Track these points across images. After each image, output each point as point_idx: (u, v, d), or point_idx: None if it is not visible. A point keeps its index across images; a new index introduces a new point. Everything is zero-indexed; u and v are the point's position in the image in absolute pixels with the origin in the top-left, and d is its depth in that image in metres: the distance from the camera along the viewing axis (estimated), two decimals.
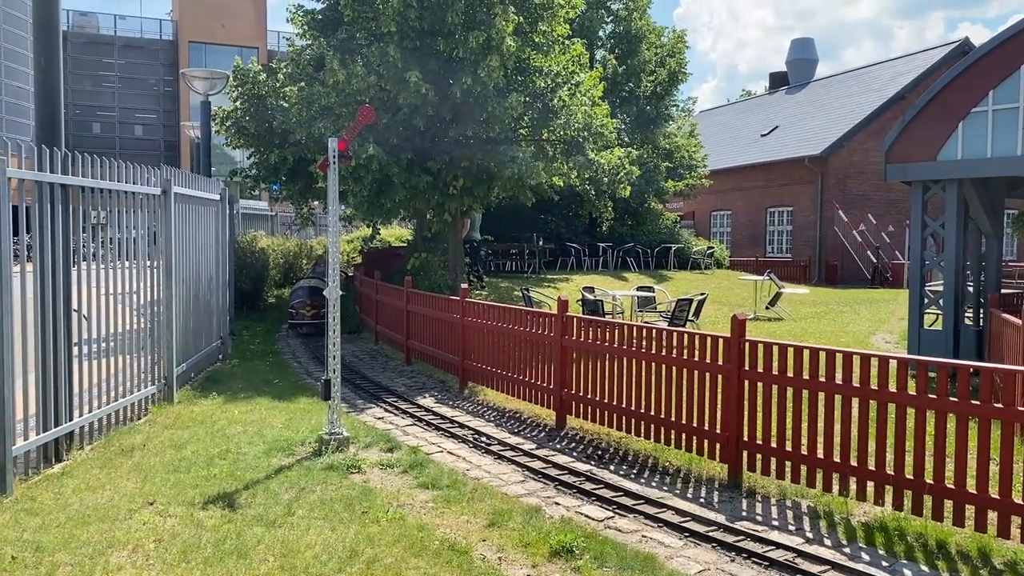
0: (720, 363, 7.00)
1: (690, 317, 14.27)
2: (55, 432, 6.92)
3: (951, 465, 5.65)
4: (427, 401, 10.43)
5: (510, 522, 5.83)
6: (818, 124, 34.52)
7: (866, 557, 5.34)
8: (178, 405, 9.43)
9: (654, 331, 7.88)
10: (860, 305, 21.68)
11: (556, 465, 7.41)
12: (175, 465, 6.96)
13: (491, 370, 10.40)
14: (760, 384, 6.70)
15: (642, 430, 7.86)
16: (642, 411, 7.83)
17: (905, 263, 27.30)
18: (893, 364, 5.93)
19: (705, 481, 7.00)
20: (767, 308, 19.74)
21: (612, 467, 7.43)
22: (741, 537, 5.66)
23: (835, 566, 5.18)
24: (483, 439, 8.40)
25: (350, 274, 20.85)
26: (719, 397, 7.03)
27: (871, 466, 5.99)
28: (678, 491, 6.73)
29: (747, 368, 6.76)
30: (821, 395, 6.34)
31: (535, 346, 9.47)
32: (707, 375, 7.12)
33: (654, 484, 6.92)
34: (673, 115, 30.53)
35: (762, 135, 37.97)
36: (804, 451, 6.42)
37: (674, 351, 7.50)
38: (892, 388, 5.87)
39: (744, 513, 6.20)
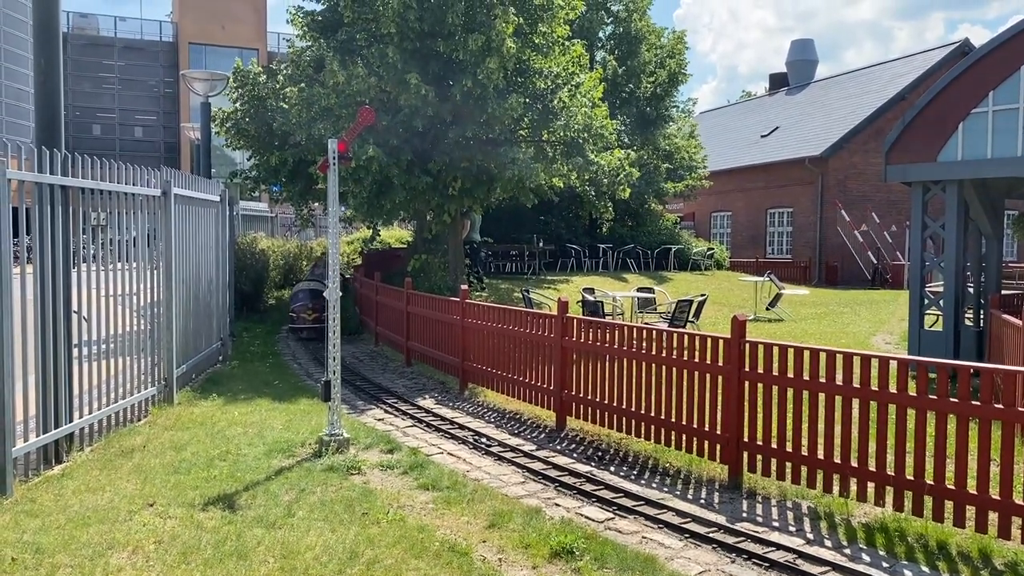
0: (720, 364, 6.99)
1: (690, 318, 14.27)
2: (55, 434, 6.91)
3: (952, 466, 5.64)
4: (427, 402, 10.43)
5: (510, 523, 5.82)
6: (818, 125, 34.53)
7: (867, 558, 5.33)
8: (178, 406, 9.43)
9: (654, 332, 7.88)
10: (860, 306, 21.68)
11: (556, 466, 7.40)
12: (175, 466, 6.96)
13: (491, 371, 10.40)
14: (760, 385, 6.69)
15: (642, 431, 7.86)
16: (642, 412, 7.83)
17: (905, 264, 27.30)
18: (893, 365, 5.93)
19: (705, 482, 6.99)
20: (767, 309, 19.74)
21: (612, 468, 7.42)
22: (742, 538, 5.66)
23: (836, 567, 5.18)
24: (483, 440, 8.40)
25: (347, 276, 20.83)
26: (719, 398, 7.03)
27: (872, 467, 5.99)
28: (678, 492, 6.73)
29: (747, 369, 6.76)
30: (821, 396, 6.34)
31: (535, 347, 9.47)
32: (707, 376, 7.12)
33: (654, 485, 6.91)
34: (673, 116, 30.55)
35: (762, 136, 37.98)
36: (804, 452, 6.42)
37: (674, 352, 7.50)
38: (892, 389, 5.87)
39: (744, 514, 6.20)
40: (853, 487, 6.07)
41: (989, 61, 10.90)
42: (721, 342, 7.01)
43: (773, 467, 6.62)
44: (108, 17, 56.85)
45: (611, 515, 6.19)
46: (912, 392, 5.75)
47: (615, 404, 8.16)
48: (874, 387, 5.96)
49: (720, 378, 7.00)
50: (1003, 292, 13.22)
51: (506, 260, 25.08)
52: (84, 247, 7.70)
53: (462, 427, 9.01)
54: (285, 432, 8.29)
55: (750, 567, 5.25)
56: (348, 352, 14.44)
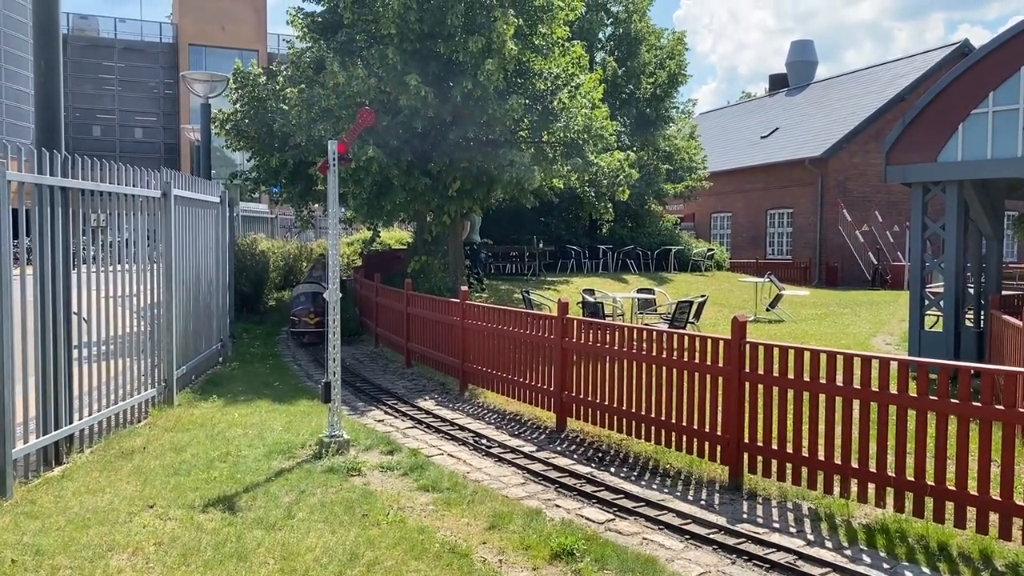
0: (721, 365, 6.99)
1: (690, 319, 14.27)
2: (55, 435, 6.91)
3: (952, 467, 5.64)
4: (427, 404, 10.42)
5: (511, 524, 5.82)
6: (818, 126, 34.53)
7: (867, 559, 5.33)
8: (178, 408, 9.42)
9: (654, 333, 7.88)
10: (860, 307, 21.68)
11: (556, 467, 7.40)
12: (175, 468, 6.95)
13: (491, 372, 10.40)
14: (761, 386, 6.69)
15: (643, 432, 7.85)
16: (643, 413, 7.82)
17: (905, 265, 27.30)
18: (894, 366, 5.93)
19: (706, 483, 6.99)
20: (767, 310, 19.74)
21: (613, 469, 7.42)
22: (742, 539, 5.65)
23: (836, 568, 5.17)
24: (483, 441, 8.39)
25: (344, 278, 20.78)
26: (720, 399, 7.03)
27: (872, 468, 5.98)
28: (679, 493, 6.72)
29: (748, 370, 6.76)
30: (822, 397, 6.33)
31: (535, 348, 9.46)
32: (708, 377, 7.12)
33: (655, 486, 6.91)
34: (673, 117, 30.55)
35: (762, 137, 37.98)
36: (805, 453, 6.42)
37: (675, 353, 7.50)
38: (893, 390, 5.86)
39: (745, 515, 6.19)
40: (854, 488, 6.06)
41: (989, 62, 10.90)
42: (721, 343, 7.00)
43: (774, 468, 6.61)
44: (108, 18, 56.84)
45: (611, 516, 6.18)
46: (913, 393, 5.75)
47: (615, 405, 8.16)
48: (875, 388, 5.96)
49: (720, 379, 7.00)
50: (1003, 293, 13.21)
51: (506, 261, 25.08)
52: (84, 248, 7.69)
53: (462, 428, 9.00)
54: (285, 433, 8.28)
55: (751, 568, 5.25)
56: (348, 353, 14.43)
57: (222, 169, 36.48)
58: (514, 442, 8.38)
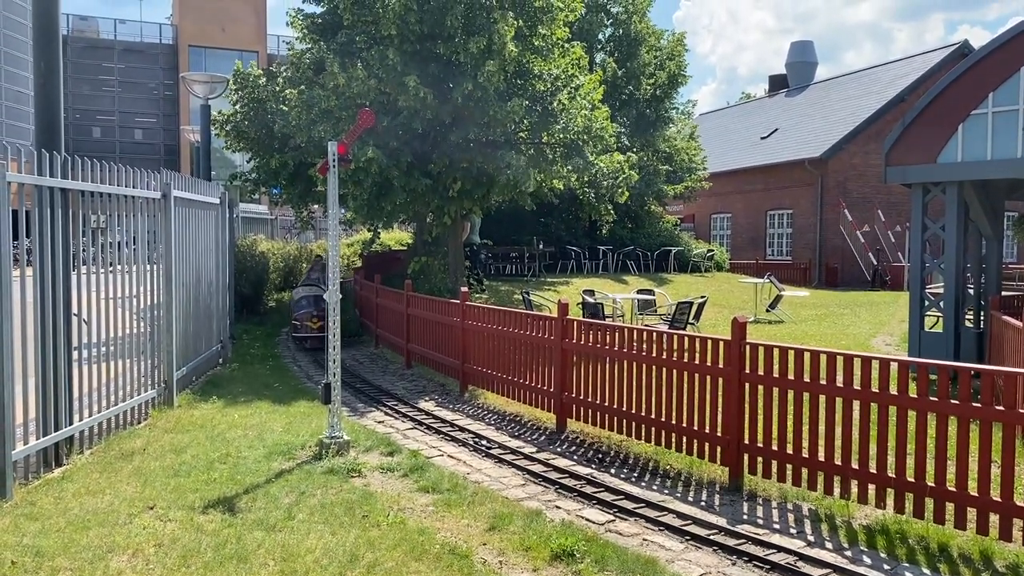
0: (721, 366, 6.99)
1: (690, 320, 14.27)
2: (55, 436, 6.91)
3: (952, 468, 5.64)
4: (427, 405, 10.42)
5: (511, 526, 5.82)
6: (818, 127, 34.54)
7: (868, 560, 5.33)
8: (178, 409, 9.42)
9: (654, 334, 7.88)
10: (860, 308, 21.68)
11: (557, 468, 7.40)
12: (175, 469, 6.95)
13: (491, 373, 10.40)
14: (761, 387, 6.69)
15: (643, 433, 7.85)
16: (643, 414, 7.82)
17: (905, 265, 27.30)
18: (894, 366, 5.93)
19: (706, 484, 6.99)
20: (767, 311, 19.73)
21: (613, 470, 7.41)
22: (742, 540, 5.65)
23: (836, 569, 5.17)
24: (483, 443, 8.39)
25: (343, 279, 20.67)
26: (720, 400, 7.03)
27: (872, 469, 5.98)
28: (679, 494, 6.72)
29: (748, 371, 6.76)
30: (822, 398, 6.33)
31: (535, 349, 9.46)
32: (708, 378, 7.12)
33: (655, 487, 6.90)
34: (673, 118, 30.56)
35: (762, 138, 37.99)
36: (805, 454, 6.42)
37: (675, 354, 7.50)
38: (893, 391, 5.86)
39: (745, 516, 6.19)
40: (854, 489, 6.06)
41: (989, 62, 10.90)
42: (721, 344, 7.00)
43: (774, 469, 6.61)
44: (108, 20, 56.81)
45: (612, 517, 6.18)
46: (913, 394, 5.75)
47: (615, 406, 8.16)
48: (875, 389, 5.96)
49: (720, 380, 7.00)
50: (1003, 293, 13.21)
51: (506, 262, 25.08)
52: (84, 250, 7.69)
53: (462, 429, 9.00)
54: (285, 435, 8.28)
55: (751, 569, 5.24)
56: (348, 354, 14.43)
57: (222, 170, 36.49)
58: (514, 443, 8.38)
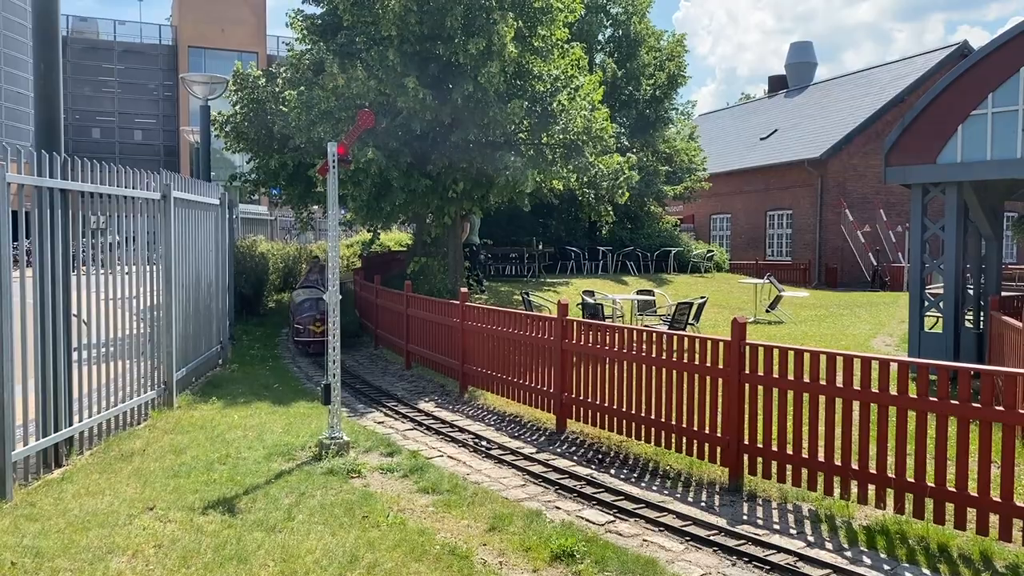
0: (720, 366, 6.99)
1: (690, 320, 14.27)
2: (55, 437, 6.91)
3: (952, 468, 5.64)
4: (427, 405, 10.42)
5: (511, 526, 5.82)
6: (817, 127, 34.56)
7: (868, 561, 5.33)
8: (178, 410, 9.42)
9: (654, 335, 7.88)
10: (860, 308, 21.68)
11: (556, 469, 7.40)
12: (175, 470, 6.95)
13: (491, 374, 10.39)
14: (761, 387, 6.69)
15: (643, 434, 7.85)
16: (642, 415, 7.82)
17: (905, 266, 27.31)
18: (894, 367, 5.93)
19: (706, 485, 6.99)
20: (767, 311, 19.73)
21: (612, 471, 7.41)
22: (742, 541, 5.65)
23: (837, 570, 5.17)
24: (483, 443, 8.39)
25: (342, 281, 20.48)
26: (720, 400, 7.03)
27: (872, 469, 5.98)
28: (679, 495, 6.72)
29: (747, 371, 6.76)
30: (822, 398, 6.33)
31: (535, 350, 9.46)
32: (707, 378, 7.12)
33: (655, 488, 6.90)
34: (672, 118, 30.55)
35: (761, 138, 38.00)
36: (805, 454, 6.42)
37: (674, 355, 7.50)
38: (893, 391, 5.86)
39: (745, 517, 6.19)
40: (854, 489, 6.06)
41: (988, 63, 10.91)
42: (721, 344, 7.01)
43: (774, 470, 6.61)
44: (107, 21, 56.70)
45: (612, 518, 6.18)
46: (912, 394, 5.75)
47: (615, 407, 8.16)
48: (874, 389, 5.96)
49: (720, 380, 7.00)
50: (1003, 294, 13.21)
51: (506, 263, 25.08)
52: (84, 250, 7.69)
53: (462, 430, 9.00)
54: (285, 435, 8.28)
55: (751, 570, 5.24)
56: (348, 355, 14.42)
57: (221, 171, 36.49)
58: (514, 444, 8.37)
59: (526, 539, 5.56)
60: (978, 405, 5.42)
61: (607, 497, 6.60)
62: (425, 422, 9.42)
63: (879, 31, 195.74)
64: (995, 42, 10.96)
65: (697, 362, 7.22)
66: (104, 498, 6.15)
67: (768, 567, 5.25)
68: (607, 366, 8.31)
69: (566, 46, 16.57)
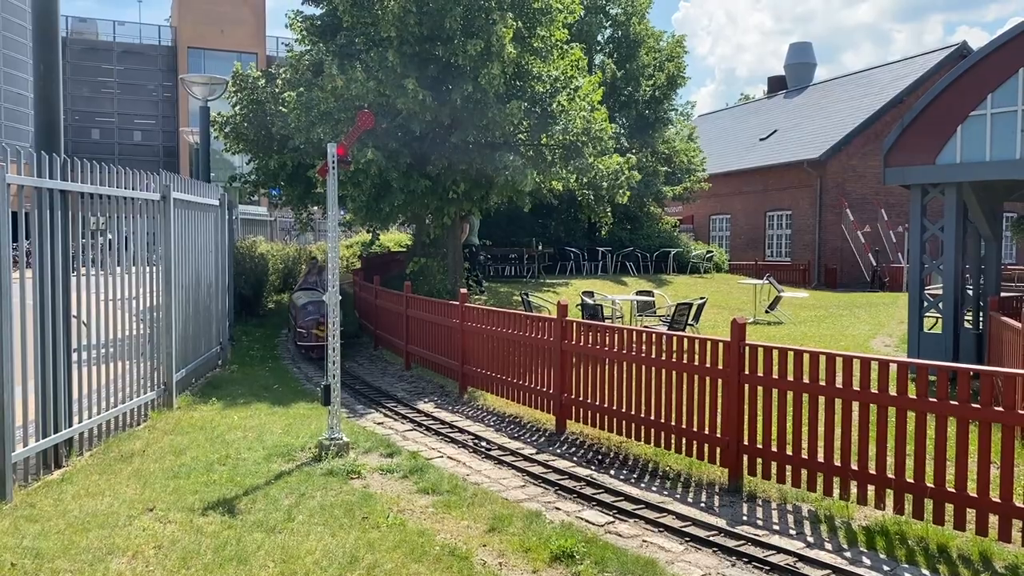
0: (720, 367, 6.99)
1: (690, 321, 14.27)
2: (54, 438, 6.91)
3: (952, 469, 5.64)
4: (427, 406, 10.42)
5: (510, 527, 5.82)
6: (817, 128, 34.57)
7: (867, 561, 5.33)
8: (177, 411, 9.42)
9: (654, 335, 7.88)
10: (859, 309, 21.69)
11: (556, 470, 7.40)
12: (175, 471, 6.95)
13: (491, 375, 10.40)
14: (760, 388, 6.69)
15: (642, 434, 7.85)
16: (642, 415, 7.83)
17: (904, 266, 27.32)
18: (893, 368, 5.93)
19: (705, 485, 6.99)
20: (767, 312, 19.74)
21: (612, 472, 7.42)
22: (742, 542, 5.65)
23: (836, 570, 5.17)
24: (483, 444, 8.39)
25: (342, 283, 20.33)
26: (719, 401, 7.03)
27: (872, 470, 5.99)
28: (678, 496, 6.72)
29: (747, 372, 6.76)
30: (821, 399, 6.34)
31: (535, 351, 9.46)
32: (707, 379, 7.12)
33: (654, 489, 6.91)
34: (672, 119, 30.58)
35: (761, 139, 38.01)
36: (805, 455, 6.42)
37: (674, 355, 7.50)
38: (892, 392, 5.87)
39: (745, 517, 6.19)
40: (853, 490, 6.07)
41: (987, 64, 10.91)
42: (721, 345, 7.01)
43: (773, 470, 6.61)
44: (107, 21, 56.64)
45: (611, 519, 6.18)
46: (912, 395, 5.75)
47: (615, 407, 8.16)
48: (874, 390, 5.96)
49: (720, 381, 7.00)
50: (1002, 294, 13.21)
51: (505, 263, 25.09)
52: (83, 251, 7.69)
53: (462, 431, 9.00)
54: (285, 436, 8.28)
55: (750, 570, 5.25)
56: (347, 356, 14.41)
57: (221, 172, 36.51)
58: (514, 444, 8.38)
59: (526, 540, 5.57)
60: (977, 406, 5.43)
61: (607, 498, 6.60)
62: (425, 423, 9.42)
63: (878, 32, 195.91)
64: (994, 43, 10.97)
65: (697, 363, 7.23)
66: (104, 499, 6.16)
67: (768, 568, 5.26)
68: (607, 367, 8.31)
69: (565, 47, 16.58)
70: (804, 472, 6.42)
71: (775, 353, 6.61)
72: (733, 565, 5.33)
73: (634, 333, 8.10)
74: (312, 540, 5.43)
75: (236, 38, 52.99)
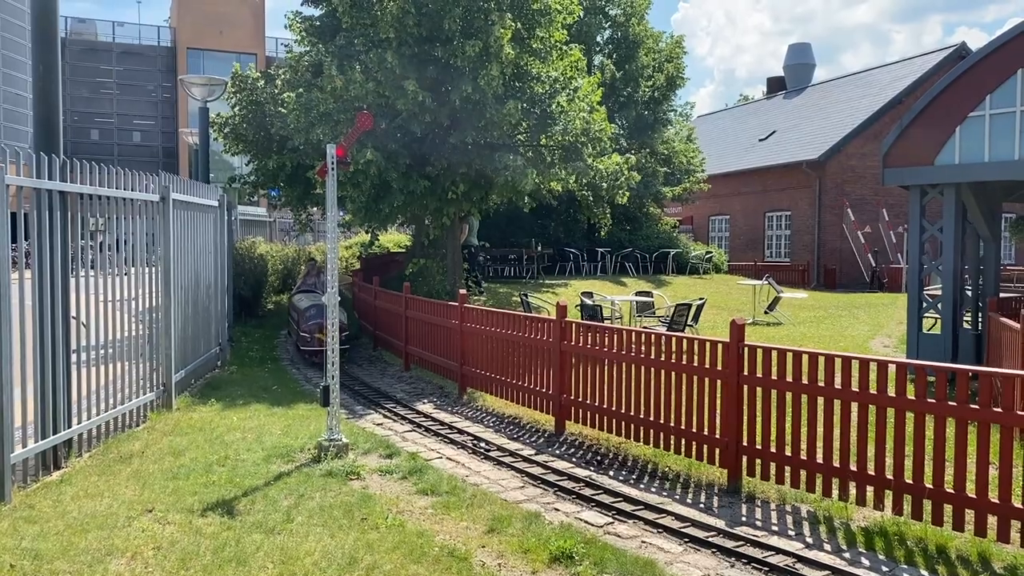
0: (719, 368, 7.00)
1: (689, 322, 14.28)
2: (54, 439, 6.90)
3: (950, 469, 5.65)
4: (426, 407, 10.42)
5: (509, 528, 5.82)
6: (816, 129, 34.58)
7: (866, 562, 5.34)
8: (177, 412, 9.42)
9: (653, 336, 7.88)
10: (859, 309, 21.70)
11: (555, 471, 7.40)
12: (174, 472, 6.95)
13: (490, 376, 10.40)
14: (759, 389, 6.70)
15: (641, 435, 7.86)
16: (641, 416, 7.83)
17: (903, 267, 27.34)
18: (892, 368, 5.94)
19: (705, 486, 6.99)
20: (766, 312, 19.75)
21: (611, 472, 7.42)
22: (741, 542, 5.66)
23: (835, 571, 5.18)
24: (482, 445, 8.39)
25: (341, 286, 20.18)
26: (718, 402, 7.03)
27: (871, 471, 5.99)
28: (677, 496, 6.72)
29: (746, 373, 6.77)
30: (820, 400, 6.34)
31: (534, 351, 9.47)
32: (706, 380, 7.13)
33: (653, 489, 6.91)
34: (671, 120, 30.59)
35: (760, 140, 38.02)
36: (803, 456, 6.42)
37: (673, 356, 7.51)
38: (891, 392, 5.87)
39: (744, 518, 6.20)
40: (852, 491, 6.07)
41: (986, 65, 10.92)
42: (720, 346, 7.01)
43: (772, 471, 6.62)
44: (106, 22, 56.62)
45: (610, 519, 6.19)
46: (911, 396, 5.76)
47: (614, 408, 8.16)
48: (873, 391, 5.97)
49: (719, 382, 7.01)
50: (1001, 295, 13.23)
51: (504, 264, 25.09)
52: (83, 252, 7.69)
53: (461, 432, 9.01)
54: (284, 437, 8.28)
55: (749, 571, 5.25)
56: (346, 357, 14.40)
57: (220, 173, 36.51)
58: (513, 445, 8.38)
59: (525, 541, 5.57)
60: (976, 407, 5.43)
61: (606, 499, 6.61)
62: (424, 424, 9.42)
63: (877, 32, 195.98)
64: (993, 44, 10.98)
65: (696, 364, 7.23)
66: (103, 500, 6.15)
67: (767, 568, 5.26)
68: (606, 368, 8.31)
69: (565, 48, 16.59)
70: (803, 473, 6.42)
71: (774, 354, 6.62)
72: (732, 566, 5.33)
73: (633, 334, 8.10)
74: (311, 541, 5.43)
75: (235, 39, 52.99)
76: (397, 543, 5.44)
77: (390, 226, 22.10)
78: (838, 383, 6.19)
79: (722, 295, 23.42)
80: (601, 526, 6.03)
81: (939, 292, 12.09)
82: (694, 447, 7.28)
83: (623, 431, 8.08)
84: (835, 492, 6.19)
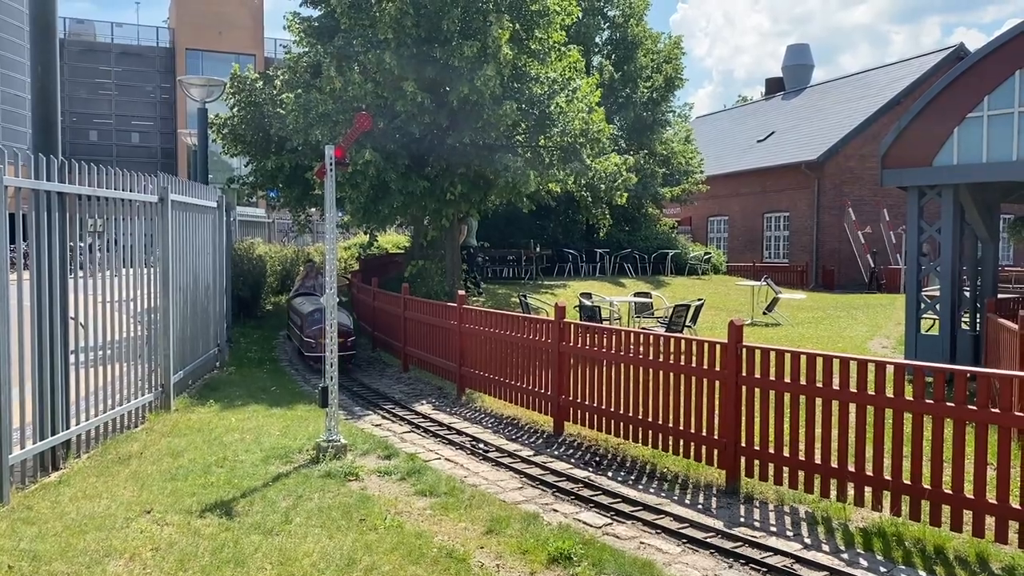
0: (717, 369, 7.00)
1: (687, 323, 14.29)
2: (52, 440, 6.90)
3: (949, 470, 5.66)
4: (425, 408, 10.42)
5: (508, 529, 5.82)
6: (814, 130, 34.61)
7: (864, 563, 5.34)
8: (175, 413, 9.42)
9: (651, 337, 7.89)
10: (857, 310, 21.71)
11: (554, 472, 7.41)
12: (172, 473, 6.95)
13: (489, 377, 10.40)
14: (757, 390, 6.70)
15: (640, 436, 7.86)
16: (640, 417, 7.83)
17: (902, 268, 27.35)
18: (890, 369, 5.95)
19: (703, 487, 7.00)
20: (764, 313, 19.76)
21: (610, 473, 7.42)
22: (739, 543, 5.66)
23: (833, 572, 5.18)
24: (481, 446, 8.40)
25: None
26: (717, 403, 7.04)
27: (869, 471, 6.00)
28: (676, 497, 6.73)
29: (744, 374, 6.77)
30: (818, 401, 6.35)
31: (533, 352, 9.47)
32: (704, 381, 7.13)
33: (652, 490, 6.91)
34: (670, 121, 30.60)
35: (758, 141, 38.05)
36: (802, 457, 6.43)
37: (671, 357, 7.51)
38: (889, 393, 5.88)
39: (742, 519, 6.20)
40: (850, 491, 6.08)
41: (984, 65, 10.93)
42: (718, 347, 7.02)
43: (770, 472, 6.62)
44: (105, 23, 56.65)
45: (609, 520, 6.19)
46: (909, 397, 5.76)
47: (612, 409, 8.17)
48: (871, 391, 5.98)
49: (717, 383, 7.01)
50: (999, 296, 13.23)
51: (503, 265, 25.08)
52: (81, 253, 7.69)
53: (459, 433, 9.01)
54: (282, 438, 8.28)
55: (748, 572, 5.25)
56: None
57: (219, 174, 36.49)
58: (511, 446, 8.38)
59: (523, 542, 5.57)
60: (974, 407, 5.44)
61: (604, 499, 6.61)
62: (422, 425, 9.42)
63: (876, 33, 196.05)
64: (991, 45, 10.99)
65: (694, 364, 7.24)
66: (101, 501, 6.15)
67: (765, 569, 5.26)
68: (604, 369, 8.32)
69: (563, 49, 16.60)
70: (801, 473, 6.43)
71: (772, 355, 6.62)
72: (730, 567, 5.33)
73: (632, 335, 8.11)
74: (310, 542, 5.43)
75: (234, 40, 53.01)
76: (395, 544, 5.44)
77: (389, 227, 22.08)
78: (836, 384, 6.20)
79: (720, 296, 23.43)
80: (599, 527, 6.03)
81: (937, 293, 12.09)
82: (692, 448, 7.28)
83: (622, 432, 8.09)
84: (833, 493, 6.19)
